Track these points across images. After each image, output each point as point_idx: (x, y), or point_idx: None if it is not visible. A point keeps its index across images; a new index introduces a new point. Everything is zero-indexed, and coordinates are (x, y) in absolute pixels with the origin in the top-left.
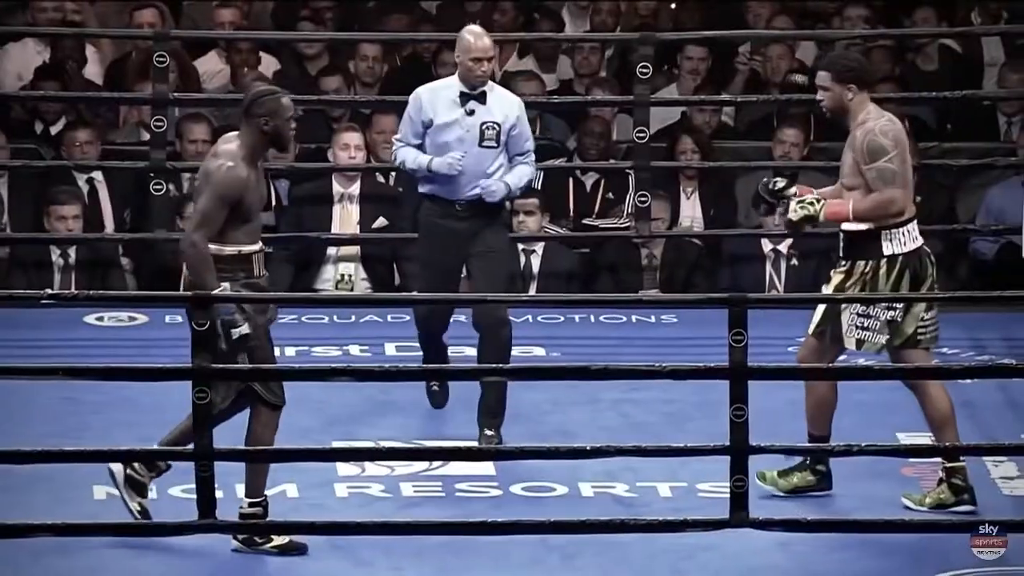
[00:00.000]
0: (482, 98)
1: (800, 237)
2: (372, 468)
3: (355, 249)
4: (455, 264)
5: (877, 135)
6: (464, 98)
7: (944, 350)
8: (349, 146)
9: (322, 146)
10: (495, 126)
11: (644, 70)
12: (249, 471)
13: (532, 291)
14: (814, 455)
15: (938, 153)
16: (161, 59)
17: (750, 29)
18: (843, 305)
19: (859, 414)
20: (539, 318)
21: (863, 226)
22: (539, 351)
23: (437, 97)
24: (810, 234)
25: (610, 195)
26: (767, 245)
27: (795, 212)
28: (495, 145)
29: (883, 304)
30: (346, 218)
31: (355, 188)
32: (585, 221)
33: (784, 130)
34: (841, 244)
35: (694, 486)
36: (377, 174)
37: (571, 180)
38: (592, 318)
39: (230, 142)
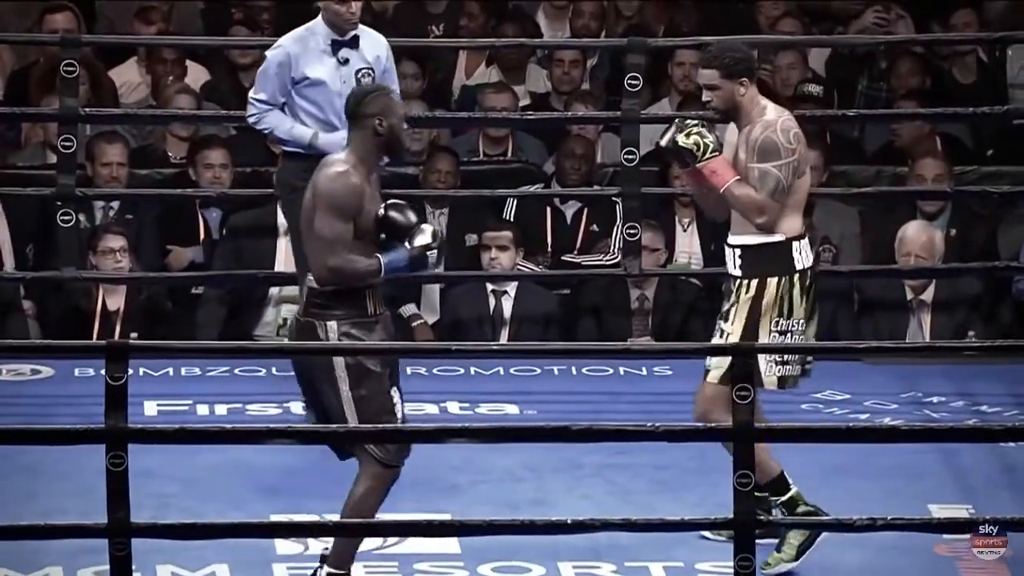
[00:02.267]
0: (354, 43)
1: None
2: (317, 545)
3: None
4: None
5: (777, 132)
6: (336, 46)
7: (983, 408)
8: None
9: (259, 169)
10: (370, 72)
11: (633, 81)
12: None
13: (503, 338)
14: (792, 503)
15: (975, 178)
16: (70, 68)
17: (758, 34)
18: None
19: (883, 481)
20: (512, 370)
21: (775, 237)
22: (511, 408)
23: (306, 49)
24: (829, 272)
25: (594, 227)
26: None
27: (675, 139)
28: None
29: (798, 326)
30: (291, 254)
31: None
32: (565, 257)
33: None
34: (738, 260)
35: (692, 567)
36: None
37: (549, 210)
38: (573, 370)
39: (333, 158)
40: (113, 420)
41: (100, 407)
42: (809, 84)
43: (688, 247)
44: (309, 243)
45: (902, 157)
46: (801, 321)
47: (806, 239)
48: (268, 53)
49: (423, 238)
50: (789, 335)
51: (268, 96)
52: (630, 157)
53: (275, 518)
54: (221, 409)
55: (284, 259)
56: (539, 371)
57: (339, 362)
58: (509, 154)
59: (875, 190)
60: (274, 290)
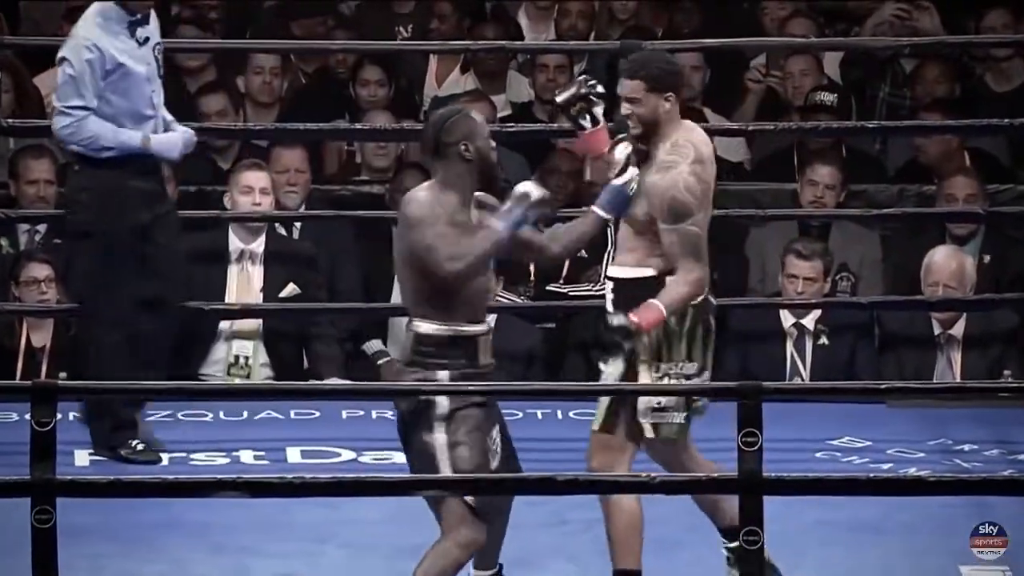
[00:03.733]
0: (146, 18)
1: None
2: None
3: (255, 323)
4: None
5: (681, 190)
6: (132, 27)
7: (1022, 456)
8: (252, 189)
9: (205, 188)
10: (160, 45)
11: None
12: None
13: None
14: None
15: (1012, 198)
16: None
17: (764, 36)
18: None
19: (908, 540)
20: None
21: (646, 271)
22: None
23: (110, 35)
24: (847, 304)
25: (582, 253)
26: (788, 319)
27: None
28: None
29: (678, 365)
30: (244, 283)
31: (258, 244)
32: (550, 287)
33: (815, 167)
34: (611, 294)
35: None
36: (280, 227)
37: None
38: (559, 413)
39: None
40: (39, 471)
41: (25, 456)
42: (821, 92)
43: None
44: (411, 280)
45: (928, 174)
46: (684, 364)
47: None
48: (68, 51)
49: (521, 190)
50: (673, 380)
51: (85, 101)
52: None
53: None
54: (163, 459)
55: (236, 288)
56: (520, 415)
57: (441, 403)
58: None
59: (898, 211)
60: (224, 324)
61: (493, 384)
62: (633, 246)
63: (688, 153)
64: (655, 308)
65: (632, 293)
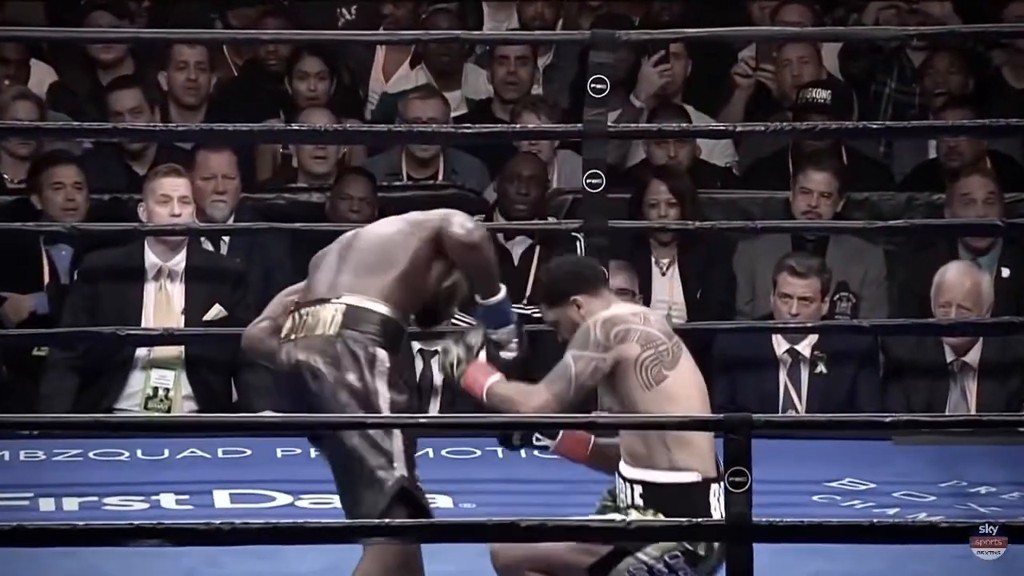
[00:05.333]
0: None
1: None
2: None
3: (176, 350)
4: None
5: (598, 326)
6: None
7: None
8: (171, 198)
9: (119, 196)
10: None
11: (598, 86)
12: None
13: (433, 410)
14: None
15: None
16: None
17: (755, 26)
18: None
19: None
20: (444, 451)
21: (680, 476)
22: (444, 501)
23: None
24: (849, 329)
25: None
26: (781, 344)
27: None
28: None
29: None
30: (164, 305)
31: (178, 261)
32: (514, 308)
33: (809, 173)
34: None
35: None
36: (206, 241)
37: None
38: (523, 451)
39: None
40: None
41: None
42: (814, 89)
43: (668, 295)
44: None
45: (941, 181)
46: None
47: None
48: None
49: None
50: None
51: None
52: (594, 181)
53: None
54: (71, 503)
55: (154, 310)
56: (479, 452)
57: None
58: (440, 177)
59: (906, 223)
60: (141, 351)
61: (449, 417)
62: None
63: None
64: (483, 376)
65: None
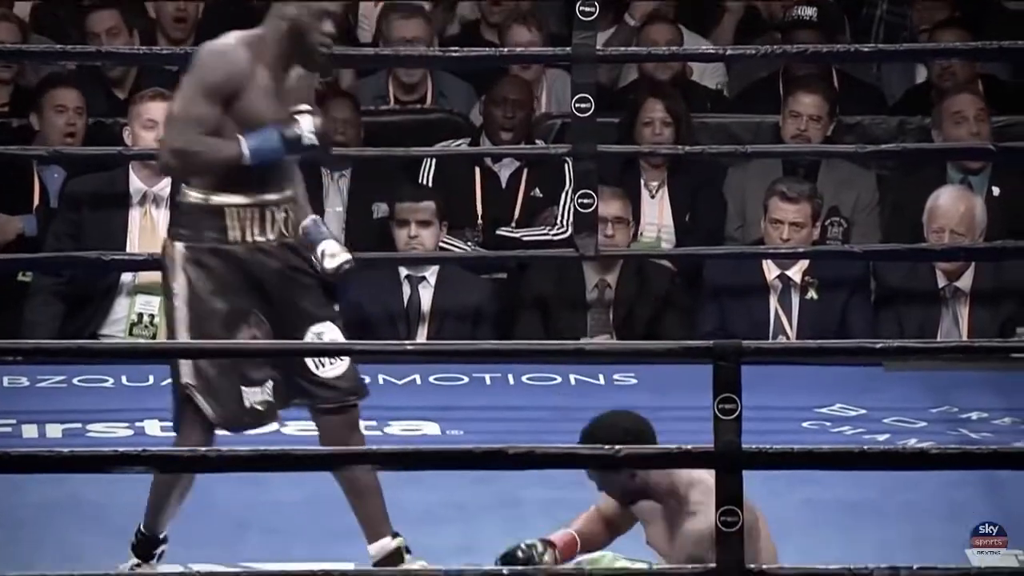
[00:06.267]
0: None
1: None
2: None
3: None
4: None
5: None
6: None
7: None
8: (157, 123)
9: (103, 120)
10: None
11: (587, 8)
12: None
13: (421, 337)
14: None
15: None
16: None
17: None
18: None
19: (908, 521)
20: (431, 378)
21: None
22: (431, 428)
23: None
24: (840, 254)
25: (536, 192)
26: (772, 270)
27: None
28: None
29: None
30: (149, 230)
31: (163, 186)
32: (502, 231)
33: (798, 96)
34: None
35: None
36: None
37: (478, 171)
38: (511, 378)
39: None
40: None
41: None
42: (800, 7)
43: (658, 218)
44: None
45: (933, 105)
46: None
47: None
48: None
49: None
50: None
51: None
52: (583, 106)
53: (123, 569)
54: (54, 430)
55: (139, 235)
56: (466, 380)
57: (179, 280)
58: (429, 101)
59: (898, 147)
60: (126, 277)
61: (437, 344)
62: None
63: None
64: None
65: None
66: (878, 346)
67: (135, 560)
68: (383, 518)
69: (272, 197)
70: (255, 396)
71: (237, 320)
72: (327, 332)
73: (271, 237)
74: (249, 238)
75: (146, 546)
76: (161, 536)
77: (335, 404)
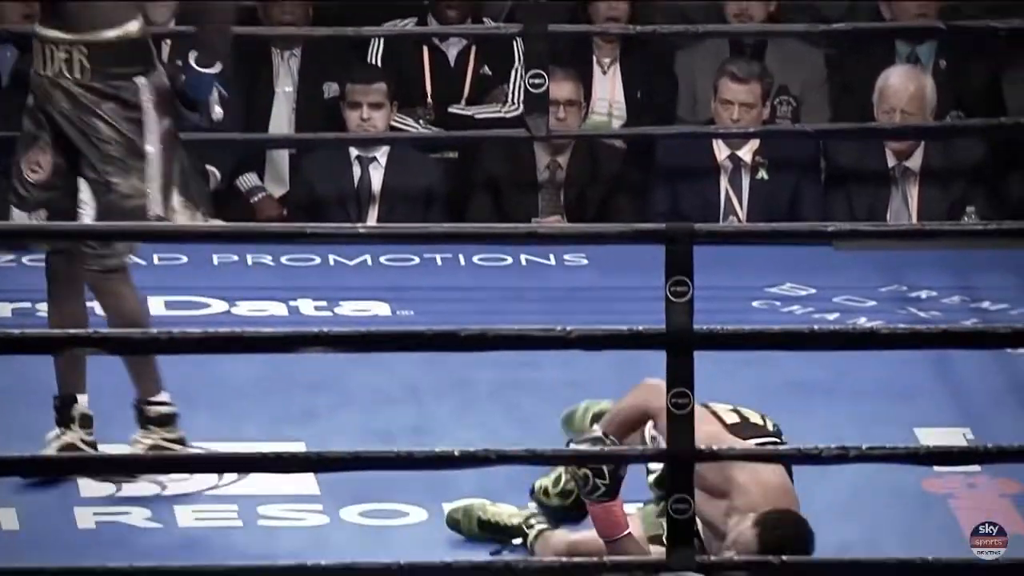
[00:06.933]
0: None
1: None
2: (133, 485)
3: None
4: None
5: None
6: None
7: (985, 305)
8: None
9: None
10: None
11: None
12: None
13: (372, 219)
14: None
15: (977, 12)
16: None
17: None
18: None
19: (857, 401)
20: (382, 259)
21: None
22: (382, 309)
23: None
24: (791, 133)
25: (485, 70)
26: (722, 150)
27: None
28: None
29: None
30: None
31: None
32: (453, 109)
33: None
34: None
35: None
36: None
37: (426, 49)
38: (462, 259)
39: None
40: None
41: None
42: None
43: (609, 94)
44: None
45: None
46: None
47: None
48: None
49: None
50: None
51: None
52: None
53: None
54: (3, 309)
55: None
56: (417, 260)
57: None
58: None
59: (849, 26)
60: None
61: (388, 226)
62: None
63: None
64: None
65: None
66: (830, 228)
67: (58, 430)
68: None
69: (57, 35)
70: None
71: (30, 142)
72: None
73: (50, 73)
74: (40, 69)
75: (62, 411)
76: (73, 396)
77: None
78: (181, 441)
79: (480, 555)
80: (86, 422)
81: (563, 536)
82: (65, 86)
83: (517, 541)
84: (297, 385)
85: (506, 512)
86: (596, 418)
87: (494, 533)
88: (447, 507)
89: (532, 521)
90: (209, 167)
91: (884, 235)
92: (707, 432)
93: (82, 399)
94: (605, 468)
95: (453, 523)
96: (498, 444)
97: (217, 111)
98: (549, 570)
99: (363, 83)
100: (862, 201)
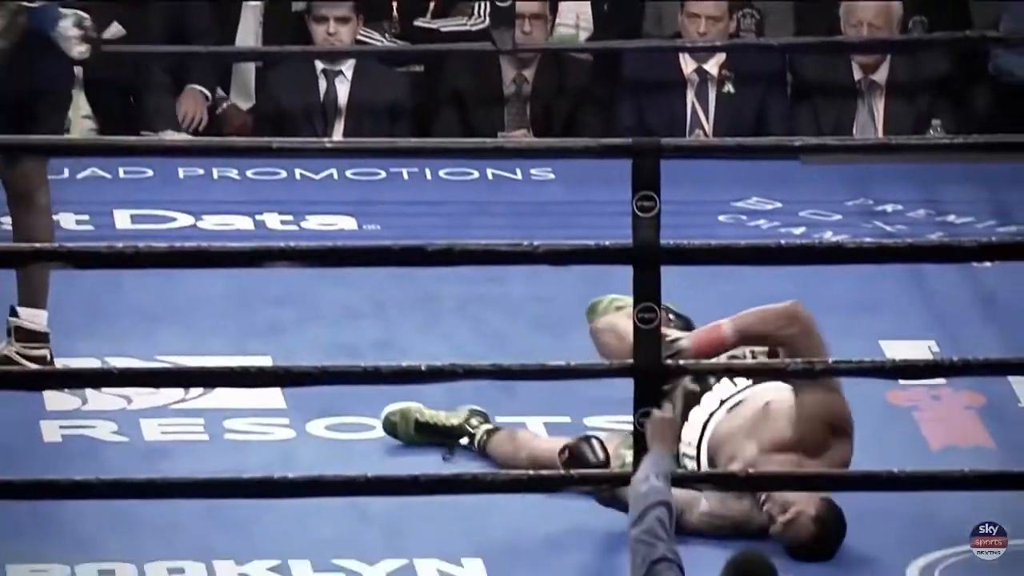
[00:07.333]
0: None
1: None
2: (99, 399)
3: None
4: None
5: None
6: None
7: (951, 218)
8: None
9: None
10: None
11: None
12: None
13: (338, 133)
14: None
15: None
16: None
17: None
18: None
19: (823, 314)
20: (348, 173)
21: None
22: (348, 223)
23: None
24: (758, 47)
25: None
26: (688, 64)
27: None
28: None
29: None
30: None
31: None
32: (419, 23)
33: None
34: None
35: (580, 422)
36: None
37: None
38: (428, 173)
39: None
40: None
41: None
42: None
43: (576, 7)
44: None
45: None
46: None
47: None
48: None
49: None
50: None
51: None
52: None
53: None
54: None
55: None
56: (384, 174)
57: None
58: None
59: None
60: None
61: (354, 141)
62: None
63: None
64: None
65: None
66: (797, 143)
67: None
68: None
69: None
70: None
71: None
72: None
73: None
74: None
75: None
76: (13, 309)
77: None
78: (41, 360)
79: (444, 468)
80: (22, 336)
81: (519, 436)
82: None
83: (464, 441)
84: (263, 300)
85: (443, 414)
86: (619, 309)
87: (432, 435)
88: (385, 410)
89: (474, 421)
90: (199, 87)
91: (850, 149)
92: None
93: (27, 312)
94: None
95: (390, 427)
96: (464, 359)
97: (78, 46)
98: (517, 482)
99: None
100: (828, 115)
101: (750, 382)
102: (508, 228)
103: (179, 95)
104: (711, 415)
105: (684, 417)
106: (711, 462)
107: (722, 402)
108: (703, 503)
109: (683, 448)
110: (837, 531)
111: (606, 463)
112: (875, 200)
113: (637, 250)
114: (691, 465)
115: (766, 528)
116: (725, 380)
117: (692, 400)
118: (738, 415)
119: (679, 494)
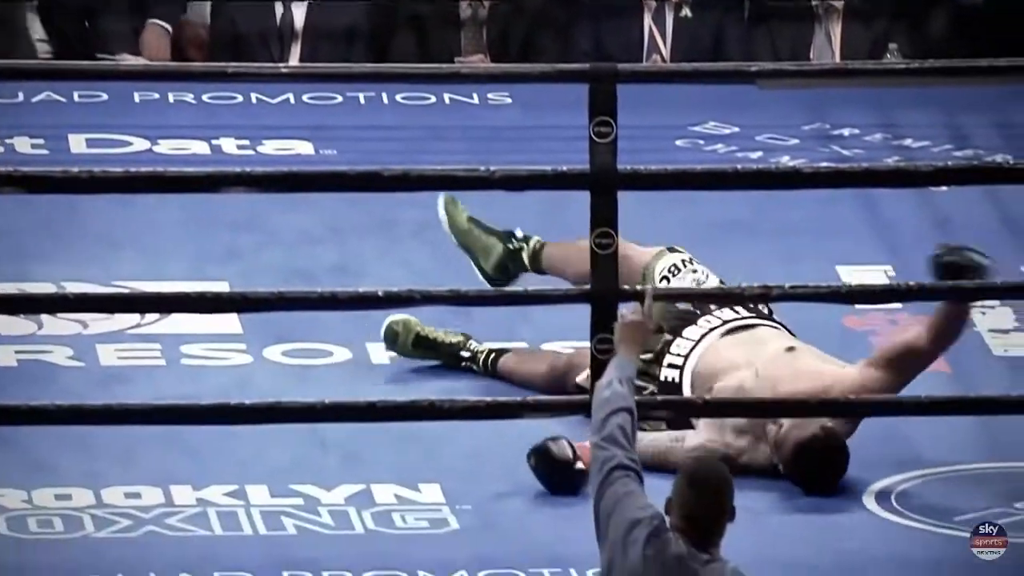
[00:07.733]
0: None
1: None
2: (53, 323)
3: None
4: None
5: None
6: None
7: (907, 142)
8: None
9: None
10: None
11: None
12: None
13: (294, 58)
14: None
15: None
16: None
17: None
18: None
19: (780, 239)
20: (305, 98)
21: None
22: (305, 148)
23: None
24: None
25: None
26: None
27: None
28: None
29: None
30: None
31: None
32: None
33: None
34: None
35: (540, 346)
36: None
37: None
38: (385, 98)
39: None
40: None
41: None
42: None
43: None
44: None
45: None
46: None
47: None
48: None
49: None
50: None
51: None
52: None
53: None
54: None
55: None
56: (340, 99)
57: None
58: None
59: None
60: None
61: (310, 66)
62: None
63: None
64: None
65: None
66: (753, 68)
67: None
68: None
69: None
70: None
71: None
72: None
73: None
74: None
75: None
76: None
77: None
78: None
79: (403, 395)
80: None
81: (536, 352)
82: None
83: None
84: (220, 224)
85: (442, 331)
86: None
87: (427, 350)
88: (387, 319)
89: (473, 343)
90: (159, 21)
91: (807, 75)
92: None
93: None
94: None
95: (391, 334)
96: (422, 284)
97: None
98: (473, 409)
99: None
100: (785, 38)
101: (754, 314)
102: (465, 153)
103: (135, 17)
104: (711, 330)
105: (678, 333)
106: (696, 376)
107: (724, 322)
108: (690, 438)
109: (669, 359)
110: (842, 447)
111: (573, 461)
112: (832, 124)
113: (594, 175)
114: (672, 374)
115: (762, 467)
116: (727, 308)
117: (689, 319)
118: (741, 340)
119: (660, 438)
